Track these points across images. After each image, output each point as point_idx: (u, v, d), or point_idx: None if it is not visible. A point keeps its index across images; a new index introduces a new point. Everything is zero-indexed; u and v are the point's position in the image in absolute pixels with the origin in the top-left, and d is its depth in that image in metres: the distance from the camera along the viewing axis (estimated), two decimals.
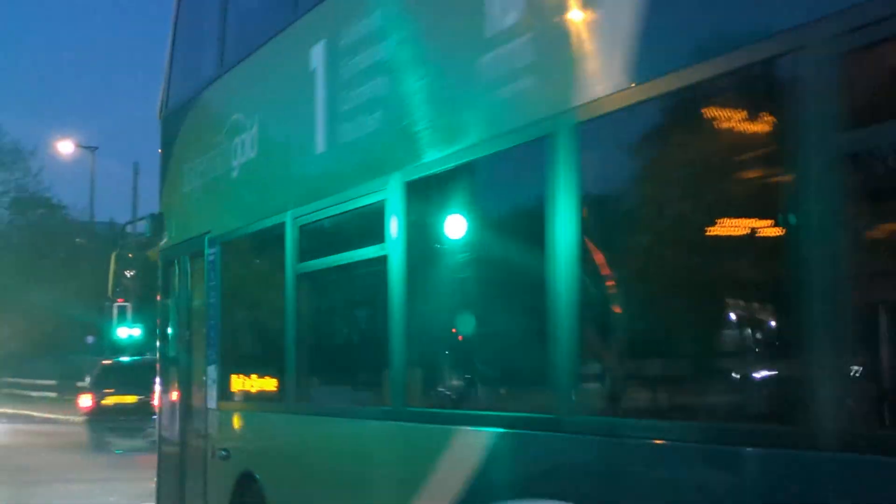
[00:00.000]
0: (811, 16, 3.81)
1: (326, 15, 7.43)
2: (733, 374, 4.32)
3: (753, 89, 4.18)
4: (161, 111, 10.96)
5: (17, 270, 58.32)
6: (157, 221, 10.68)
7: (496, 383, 5.84)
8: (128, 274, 11.50)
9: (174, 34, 10.64)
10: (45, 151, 77.10)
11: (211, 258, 9.26)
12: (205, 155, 9.54)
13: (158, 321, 10.66)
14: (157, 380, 10.74)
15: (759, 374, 4.23)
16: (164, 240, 10.62)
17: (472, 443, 5.51)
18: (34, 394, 57.70)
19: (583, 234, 4.88)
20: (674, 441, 4.31)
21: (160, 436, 10.68)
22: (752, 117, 4.24)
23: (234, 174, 8.88)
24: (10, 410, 47.79)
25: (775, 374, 4.15)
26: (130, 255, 11.26)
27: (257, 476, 8.18)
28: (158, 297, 10.60)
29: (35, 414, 45.02)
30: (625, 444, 4.53)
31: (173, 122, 10.61)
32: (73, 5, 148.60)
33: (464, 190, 6.02)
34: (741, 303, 4.30)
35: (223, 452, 8.81)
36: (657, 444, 4.39)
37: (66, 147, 44.92)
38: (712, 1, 4.36)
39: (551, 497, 4.84)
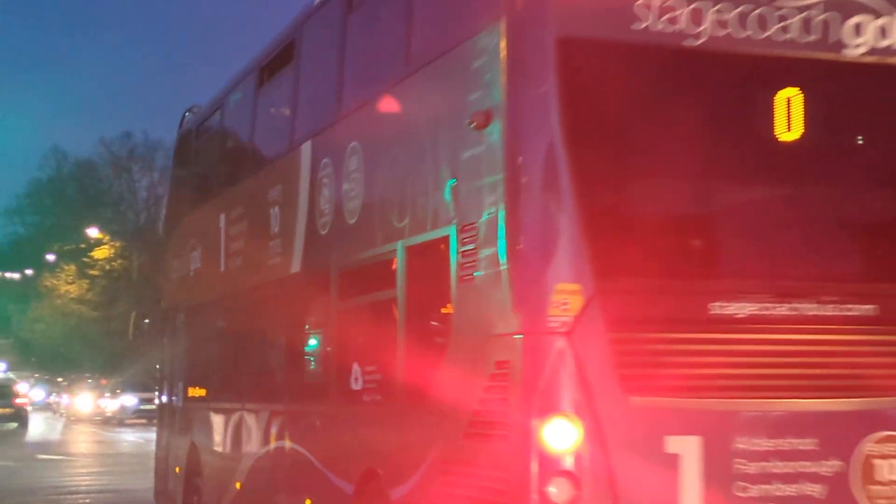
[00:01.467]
0: None
1: (224, 199, 14.32)
2: None
3: None
4: (162, 227, 17.99)
5: None
6: (159, 290, 17.74)
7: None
8: (146, 321, 18.54)
9: (169, 184, 17.66)
10: None
11: (180, 320, 16.26)
12: (179, 259, 16.51)
13: (160, 354, 17.65)
14: (157, 391, 17.73)
15: None
16: (162, 303, 17.66)
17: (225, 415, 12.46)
18: None
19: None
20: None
21: (158, 422, 17.65)
22: None
23: (191, 274, 15.83)
24: None
25: None
26: (144, 312, 18.36)
27: (196, 442, 15.09)
28: (161, 345, 17.60)
29: None
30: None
31: (168, 235, 17.65)
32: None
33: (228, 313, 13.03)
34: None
35: (183, 432, 15.75)
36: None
37: None
38: None
39: None
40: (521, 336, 7.35)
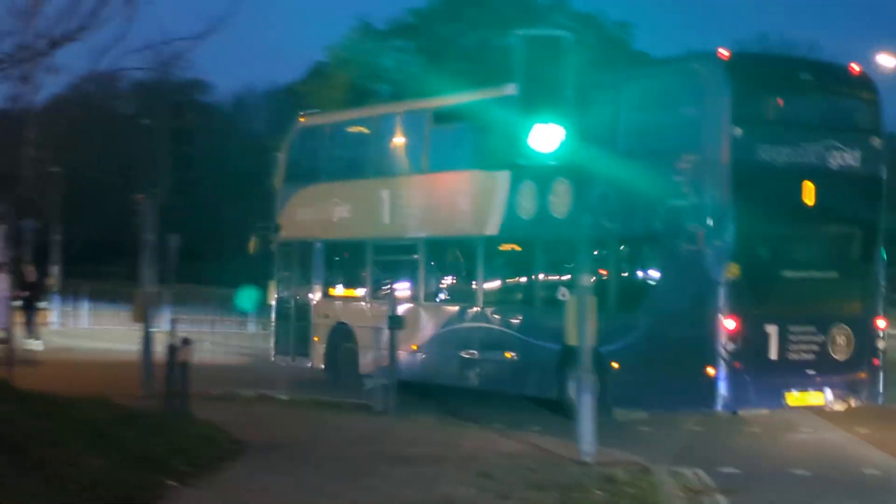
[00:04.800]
0: None
1: (393, 182, 24.06)
2: None
3: None
4: (279, 183, 27.40)
5: None
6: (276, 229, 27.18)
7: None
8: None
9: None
10: None
11: (318, 247, 25.90)
12: (312, 207, 26.03)
13: (278, 271, 26.98)
14: (274, 296, 27.08)
15: None
16: (283, 233, 26.99)
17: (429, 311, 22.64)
18: None
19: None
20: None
21: (276, 311, 27.06)
22: None
23: (334, 219, 25.48)
24: None
25: None
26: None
27: (347, 323, 24.84)
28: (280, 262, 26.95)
29: None
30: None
31: (287, 190, 27.09)
32: None
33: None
34: None
35: (326, 316, 25.45)
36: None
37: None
38: None
39: None
40: (711, 282, 18.10)
